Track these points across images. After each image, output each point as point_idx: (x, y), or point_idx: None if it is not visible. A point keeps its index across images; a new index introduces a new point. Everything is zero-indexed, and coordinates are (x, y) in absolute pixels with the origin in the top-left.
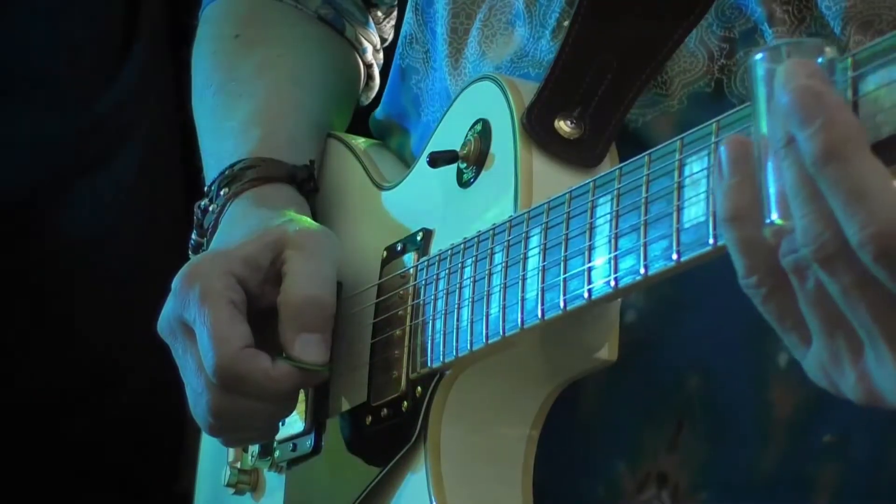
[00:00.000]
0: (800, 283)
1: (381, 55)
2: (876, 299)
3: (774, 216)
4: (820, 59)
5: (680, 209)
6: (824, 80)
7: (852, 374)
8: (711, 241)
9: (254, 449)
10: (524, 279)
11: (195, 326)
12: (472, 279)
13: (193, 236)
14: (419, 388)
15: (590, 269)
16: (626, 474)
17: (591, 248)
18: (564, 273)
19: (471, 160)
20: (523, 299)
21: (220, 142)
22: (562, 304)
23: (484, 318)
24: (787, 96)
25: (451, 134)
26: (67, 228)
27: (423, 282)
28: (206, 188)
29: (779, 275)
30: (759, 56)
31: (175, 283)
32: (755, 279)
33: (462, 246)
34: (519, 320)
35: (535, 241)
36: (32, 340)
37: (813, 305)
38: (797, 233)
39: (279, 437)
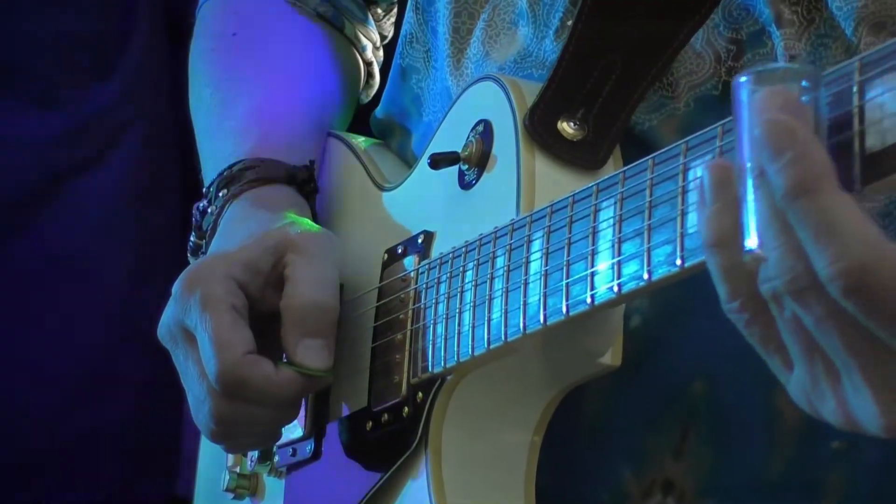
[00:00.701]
0: (778, 310)
1: (380, 53)
2: (849, 332)
3: (753, 244)
4: (804, 83)
5: (684, 214)
6: (798, 113)
7: (832, 399)
8: None
9: (253, 453)
10: (526, 284)
11: (196, 332)
12: (473, 283)
13: (192, 238)
14: (420, 394)
15: (593, 275)
16: (630, 480)
17: (594, 253)
18: (567, 278)
19: (472, 161)
20: (525, 304)
21: (219, 142)
22: (564, 310)
23: (486, 322)
24: (758, 128)
25: (452, 135)
26: (65, 228)
27: (425, 285)
28: (204, 189)
29: (760, 301)
30: (742, 79)
31: (175, 288)
32: (737, 304)
33: (464, 249)
34: (521, 325)
35: (537, 244)
36: (31, 341)
37: (792, 333)
38: (770, 263)
39: (279, 441)
